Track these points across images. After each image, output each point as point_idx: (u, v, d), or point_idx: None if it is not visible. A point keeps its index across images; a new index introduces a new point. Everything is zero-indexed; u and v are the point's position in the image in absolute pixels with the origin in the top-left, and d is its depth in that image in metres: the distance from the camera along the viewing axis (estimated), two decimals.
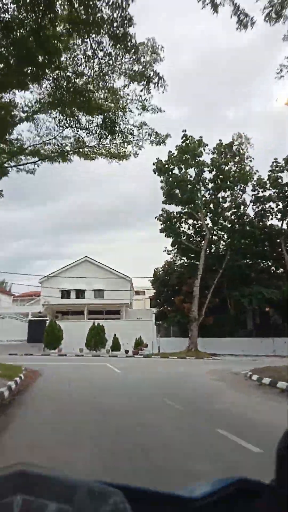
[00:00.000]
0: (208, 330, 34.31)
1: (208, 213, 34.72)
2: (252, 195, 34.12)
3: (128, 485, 0.61)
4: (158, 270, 39.75)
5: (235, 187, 32.68)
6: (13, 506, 0.51)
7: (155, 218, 34.76)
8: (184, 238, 34.86)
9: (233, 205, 33.66)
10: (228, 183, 31.98)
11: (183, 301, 34.96)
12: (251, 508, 0.61)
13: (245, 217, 33.66)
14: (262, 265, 34.01)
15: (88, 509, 0.53)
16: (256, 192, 33.66)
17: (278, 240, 32.99)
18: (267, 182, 33.35)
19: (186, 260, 37.11)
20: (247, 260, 33.39)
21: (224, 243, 35.52)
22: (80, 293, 42.43)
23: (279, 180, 32.69)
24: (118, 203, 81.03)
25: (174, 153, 33.87)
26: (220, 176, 32.87)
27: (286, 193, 32.47)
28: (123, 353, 31.86)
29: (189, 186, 33.44)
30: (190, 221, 36.47)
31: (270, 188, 33.55)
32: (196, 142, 32.23)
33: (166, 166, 33.44)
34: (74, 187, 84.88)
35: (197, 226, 36.22)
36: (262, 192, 33.87)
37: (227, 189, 32.69)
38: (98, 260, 43.21)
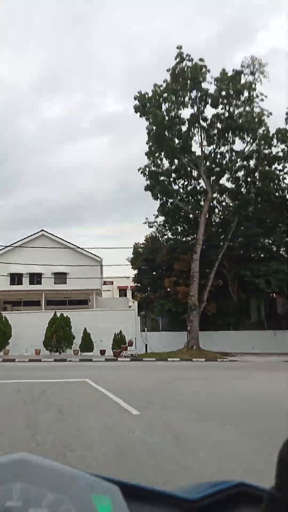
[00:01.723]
0: (207, 322, 25.93)
1: (210, 167, 26.16)
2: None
3: (127, 481, 0.61)
4: (138, 246, 30.81)
5: (245, 133, 24.25)
6: (12, 493, 0.52)
7: (139, 171, 25.71)
8: (178, 199, 26.06)
9: (244, 155, 25.25)
10: (239, 122, 23.48)
11: (176, 284, 26.32)
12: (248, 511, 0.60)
13: (256, 174, 25.33)
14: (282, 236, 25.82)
15: (85, 501, 0.53)
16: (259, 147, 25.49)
17: None
18: (274, 136, 25.18)
19: (179, 230, 28.32)
20: (261, 229, 25.03)
21: (231, 207, 27.08)
22: (35, 278, 32.86)
23: None
24: (76, 199, 71.90)
25: (162, 85, 25.06)
26: (226, 114, 24.40)
27: None
28: (99, 355, 22.79)
29: (184, 127, 24.79)
30: (184, 183, 27.58)
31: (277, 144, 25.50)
32: (197, 66, 23.53)
33: (153, 100, 24.51)
34: (27, 180, 74.69)
35: (194, 185, 27.54)
36: (266, 148, 25.66)
37: (235, 132, 24.17)
38: (60, 236, 33.63)
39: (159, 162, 26.27)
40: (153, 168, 26.39)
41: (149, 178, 26.20)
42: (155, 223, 31.32)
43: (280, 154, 26.42)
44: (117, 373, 13.78)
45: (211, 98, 24.21)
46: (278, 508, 0.52)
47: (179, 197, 26.66)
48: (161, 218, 31.15)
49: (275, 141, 26.06)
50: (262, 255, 27.17)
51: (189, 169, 27.34)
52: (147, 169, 26.21)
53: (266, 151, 25.63)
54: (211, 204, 27.05)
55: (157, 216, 31.06)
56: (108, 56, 73.12)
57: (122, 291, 53.84)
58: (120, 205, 72.93)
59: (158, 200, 27.01)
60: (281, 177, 26.67)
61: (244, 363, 18.37)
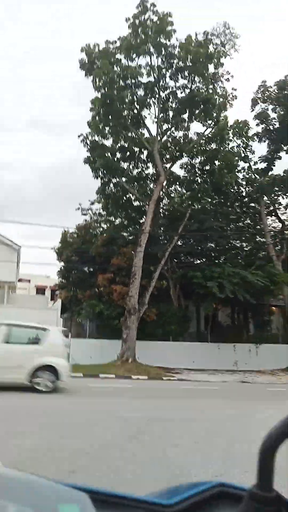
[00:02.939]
0: (145, 330, 21.62)
1: (164, 146, 22.20)
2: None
3: (95, 488, 0.58)
4: (67, 234, 25.55)
5: (208, 111, 20.71)
6: None
7: (79, 138, 20.83)
8: (124, 180, 21.54)
9: (205, 137, 21.68)
10: (204, 95, 19.88)
11: (112, 282, 21.66)
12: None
13: (216, 162, 21.86)
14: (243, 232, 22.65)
15: (51, 511, 0.50)
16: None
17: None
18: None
19: (121, 218, 23.76)
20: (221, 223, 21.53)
21: (183, 197, 23.27)
22: None
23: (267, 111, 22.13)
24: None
25: (116, 41, 20.70)
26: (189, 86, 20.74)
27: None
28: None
29: (140, 90, 20.62)
30: (130, 165, 23.16)
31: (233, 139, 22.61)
32: (164, 19, 19.52)
33: (104, 56, 19.97)
34: None
35: (142, 169, 23.30)
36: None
37: (198, 107, 20.54)
38: None
39: (105, 132, 21.51)
40: (96, 138, 21.57)
41: (90, 149, 21.30)
42: (90, 211, 26.42)
43: (235, 150, 23.47)
44: (23, 404, 8.53)
45: (176, 60, 20.21)
46: (258, 505, 0.50)
47: (124, 178, 22.06)
48: (97, 206, 26.37)
49: (230, 134, 23.08)
50: (214, 255, 23.56)
51: (137, 150, 23.04)
52: (89, 137, 21.31)
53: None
54: (161, 192, 22.94)
55: (92, 203, 26.24)
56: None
57: (40, 291, 47.44)
58: (48, 206, 66.54)
59: (99, 178, 22.17)
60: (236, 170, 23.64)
61: (199, 385, 14.18)
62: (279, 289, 22.76)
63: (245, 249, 25.09)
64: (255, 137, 24.13)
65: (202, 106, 20.89)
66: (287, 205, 24.70)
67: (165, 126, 22.58)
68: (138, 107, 21.51)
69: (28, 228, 70.37)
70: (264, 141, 24.37)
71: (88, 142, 21.44)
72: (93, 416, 7.31)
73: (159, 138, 21.95)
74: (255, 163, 24.46)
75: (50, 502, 0.53)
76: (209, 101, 20.41)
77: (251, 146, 24.46)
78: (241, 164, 24.24)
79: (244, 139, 24.28)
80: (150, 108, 21.66)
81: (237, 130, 23.59)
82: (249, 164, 24.45)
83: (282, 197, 24.54)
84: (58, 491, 0.56)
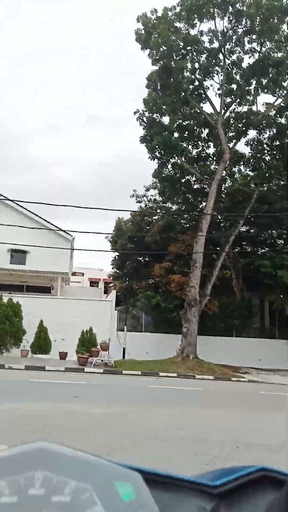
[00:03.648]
0: (206, 324, 19.56)
1: (228, 119, 19.89)
2: None
3: (147, 468, 0.61)
4: (122, 221, 24.03)
5: (282, 76, 18.05)
6: (34, 481, 0.52)
7: (135, 115, 19.14)
8: (184, 159, 19.52)
9: (275, 107, 19.05)
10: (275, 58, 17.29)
11: (169, 271, 19.80)
12: (272, 497, 0.60)
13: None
14: None
15: (108, 488, 0.53)
16: None
17: None
18: None
19: (179, 203, 21.82)
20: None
21: (249, 177, 20.82)
22: None
23: None
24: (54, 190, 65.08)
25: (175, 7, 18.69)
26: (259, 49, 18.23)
27: None
28: (57, 359, 15.90)
29: (202, 57, 18.45)
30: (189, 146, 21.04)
31: None
32: None
33: (163, 20, 18.00)
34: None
35: (202, 148, 21.12)
36: None
37: (269, 73, 17.98)
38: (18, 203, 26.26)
39: (163, 109, 19.58)
40: (154, 116, 19.73)
41: (147, 127, 19.51)
42: (145, 197, 24.69)
43: None
44: (74, 409, 6.88)
45: (244, 20, 17.77)
46: None
47: (184, 157, 20.03)
48: (152, 192, 24.58)
49: None
50: (283, 243, 20.88)
51: (197, 128, 20.88)
52: (145, 114, 19.51)
53: None
54: (224, 172, 20.62)
55: (148, 189, 24.48)
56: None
57: (94, 284, 46.78)
58: (100, 201, 66.07)
59: (156, 160, 20.32)
60: None
61: (277, 389, 11.91)
62: None
63: None
64: None
65: (272, 71, 18.29)
66: None
67: (229, 99, 20.22)
68: (200, 77, 19.35)
69: (82, 222, 70.37)
70: None
71: (145, 119, 19.66)
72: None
73: (222, 112, 19.65)
74: None
75: (107, 479, 0.55)
76: (281, 64, 17.77)
77: None
78: None
79: None
80: (213, 78, 19.41)
81: None
82: None
83: None
84: (113, 469, 0.57)
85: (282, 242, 21.67)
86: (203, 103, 20.17)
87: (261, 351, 20.76)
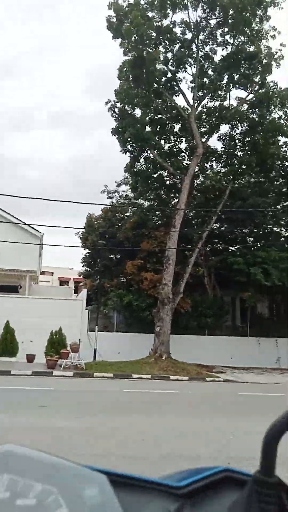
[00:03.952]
0: (178, 322, 19.12)
1: (200, 114, 19.52)
2: None
3: (112, 470, 0.61)
4: (93, 217, 23.18)
5: (254, 69, 17.86)
6: None
7: (106, 105, 18.37)
8: (156, 152, 18.94)
9: (247, 102, 18.84)
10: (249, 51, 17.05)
11: (142, 269, 19.22)
12: (235, 497, 0.61)
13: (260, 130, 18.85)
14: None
15: (73, 491, 0.53)
16: None
17: None
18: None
19: (151, 199, 21.23)
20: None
21: (221, 174, 20.50)
22: None
23: None
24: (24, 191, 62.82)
25: None
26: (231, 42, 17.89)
27: None
28: (24, 362, 14.92)
29: (175, 47, 17.95)
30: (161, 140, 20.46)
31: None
32: None
33: (135, 7, 17.37)
34: None
35: (174, 143, 20.66)
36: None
37: (243, 65, 17.73)
38: None
39: (135, 100, 18.86)
40: (126, 107, 19.00)
41: (118, 118, 18.76)
42: (116, 193, 23.95)
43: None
44: (37, 423, 6.10)
45: (217, 12, 17.34)
46: (261, 490, 0.53)
47: (156, 151, 19.42)
48: (124, 188, 23.90)
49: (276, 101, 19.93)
50: (255, 239, 20.69)
51: (169, 122, 20.36)
52: (117, 105, 18.77)
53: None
54: (197, 168, 20.18)
55: (119, 185, 23.76)
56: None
57: (64, 284, 45.47)
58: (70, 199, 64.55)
59: (128, 153, 19.62)
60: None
61: (252, 388, 11.55)
62: None
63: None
64: None
65: (245, 64, 18.01)
66: None
67: (201, 93, 19.78)
68: (172, 68, 18.79)
69: (51, 219, 68.49)
70: None
71: (116, 110, 18.90)
72: None
73: (195, 105, 19.19)
74: None
75: (72, 482, 0.55)
76: (254, 57, 17.49)
77: None
78: (282, 139, 21.25)
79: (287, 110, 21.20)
80: (186, 70, 18.90)
81: (279, 98, 20.51)
82: None
83: None
84: (79, 472, 0.57)
85: (252, 239, 21.50)
86: (176, 95, 19.67)
87: (233, 349, 20.51)
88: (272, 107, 19.17)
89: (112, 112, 18.88)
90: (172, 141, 21.28)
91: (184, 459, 4.44)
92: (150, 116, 19.87)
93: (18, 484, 0.53)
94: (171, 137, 21.21)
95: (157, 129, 20.54)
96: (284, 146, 20.81)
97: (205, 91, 19.68)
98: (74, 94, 66.43)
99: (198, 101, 19.56)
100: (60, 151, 72.94)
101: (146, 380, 12.84)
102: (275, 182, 21.12)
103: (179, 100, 20.17)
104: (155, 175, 21.02)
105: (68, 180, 70.55)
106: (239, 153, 20.21)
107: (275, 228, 22.37)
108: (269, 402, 8.94)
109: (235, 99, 19.77)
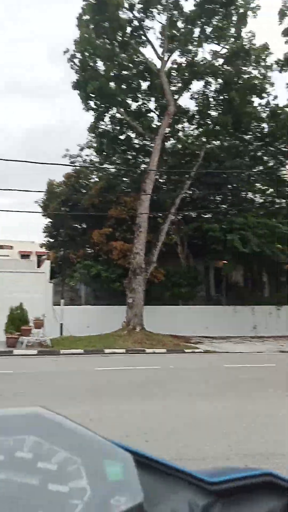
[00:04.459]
0: (151, 293, 17.84)
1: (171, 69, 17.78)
2: None
3: (141, 451, 0.58)
4: (53, 183, 21.09)
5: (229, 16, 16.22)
6: (23, 445, 0.53)
7: (65, 55, 16.18)
8: (123, 109, 17.08)
9: (221, 56, 17.26)
10: None
11: (111, 238, 17.63)
12: (274, 505, 0.56)
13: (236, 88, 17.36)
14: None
15: (96, 464, 0.52)
16: None
17: None
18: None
19: (118, 163, 19.46)
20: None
21: (193, 136, 18.95)
22: None
23: None
24: None
25: None
26: None
27: None
28: None
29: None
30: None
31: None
32: None
33: None
34: None
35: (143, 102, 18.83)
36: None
37: (217, 13, 16.05)
38: None
39: (97, 51, 16.71)
40: (88, 60, 16.81)
41: (80, 70, 16.60)
42: (80, 157, 21.83)
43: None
44: None
45: None
46: None
47: (123, 108, 17.53)
48: (87, 151, 21.80)
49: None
50: (232, 204, 19.51)
51: (136, 80, 18.41)
52: (77, 56, 16.57)
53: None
54: (168, 129, 18.50)
55: (82, 148, 21.62)
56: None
57: (25, 258, 42.98)
58: (27, 174, 60.56)
59: (91, 111, 17.59)
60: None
61: (236, 358, 10.51)
62: None
63: (264, 198, 21.07)
64: (277, 65, 19.65)
65: (219, 14, 16.27)
66: None
67: (172, 46, 17.89)
68: (139, 15, 16.73)
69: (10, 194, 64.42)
70: (286, 71, 19.97)
71: (77, 62, 16.71)
72: None
73: (166, 58, 17.33)
74: (275, 97, 20.22)
75: (96, 455, 0.54)
76: (230, 3, 15.77)
77: (270, 77, 19.99)
78: (257, 100, 19.90)
79: (261, 69, 19.75)
80: (154, 18, 16.89)
81: (254, 56, 19.01)
82: (268, 99, 19.98)
83: None
84: (105, 447, 0.56)
85: (227, 206, 20.32)
86: (143, 47, 17.67)
87: (209, 319, 19.57)
88: (248, 64, 17.70)
89: (72, 63, 16.69)
90: (140, 100, 19.39)
91: (186, 461, 3.08)
92: (115, 71, 17.80)
93: (43, 447, 0.52)
94: (139, 95, 19.29)
95: (123, 86, 18.54)
96: (259, 107, 19.54)
97: (175, 43, 17.81)
98: (34, 61, 61.64)
99: (169, 54, 17.70)
100: (18, 121, 68.18)
101: (121, 354, 11.50)
102: (250, 146, 19.92)
103: (148, 53, 18.29)
104: (122, 137, 19.17)
105: (27, 151, 66.29)
106: (214, 113, 18.68)
107: (249, 194, 21.33)
108: (265, 375, 7.83)
109: (209, 52, 18.07)
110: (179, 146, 19.49)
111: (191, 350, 12.42)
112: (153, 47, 17.36)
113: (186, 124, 19.95)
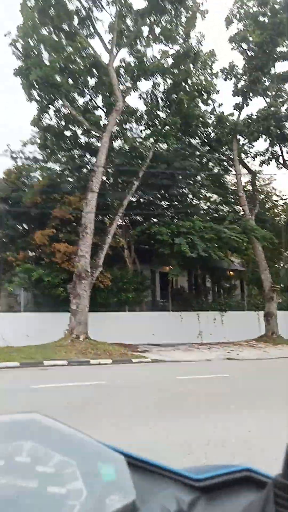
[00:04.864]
0: (96, 299, 16.92)
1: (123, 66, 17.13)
2: None
3: (131, 453, 0.60)
4: None
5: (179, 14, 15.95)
6: (22, 450, 0.54)
7: (5, 36, 14.90)
8: (69, 102, 16.07)
9: (169, 56, 16.92)
10: None
11: (54, 239, 16.45)
12: (253, 498, 0.58)
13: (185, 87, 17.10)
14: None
15: (91, 467, 0.54)
16: None
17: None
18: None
19: (63, 161, 18.32)
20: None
21: (142, 137, 18.45)
22: None
23: None
24: None
25: None
26: None
27: None
28: None
29: None
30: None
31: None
32: None
33: None
34: None
35: (93, 97, 17.98)
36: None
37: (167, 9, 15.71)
38: None
39: (42, 38, 15.51)
40: (30, 47, 15.51)
41: (23, 57, 15.27)
42: (22, 153, 20.32)
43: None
44: None
45: None
46: (280, 494, 0.52)
47: (69, 101, 16.45)
48: (31, 148, 20.36)
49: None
50: (177, 209, 19.10)
51: (83, 76, 17.43)
52: (19, 41, 15.25)
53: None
54: (115, 128, 17.70)
55: (25, 144, 20.18)
56: None
57: None
58: None
59: (35, 103, 16.29)
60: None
61: (187, 368, 9.87)
62: (251, 248, 19.18)
63: (209, 203, 21.01)
64: (223, 72, 19.74)
65: (170, 11, 15.81)
66: (256, 154, 20.94)
67: (121, 40, 17.12)
68: (87, 4, 15.77)
69: None
70: (231, 79, 20.14)
71: (19, 47, 15.35)
72: None
73: (115, 52, 16.53)
74: (220, 104, 20.30)
75: (91, 458, 0.55)
76: (180, 1, 15.37)
77: (216, 84, 20.01)
78: (203, 107, 19.81)
79: (208, 76, 19.71)
80: (103, 8, 16.03)
81: (200, 62, 18.90)
82: (213, 106, 19.97)
83: (249, 146, 20.74)
84: (99, 449, 0.58)
85: (172, 211, 19.84)
86: (91, 39, 16.72)
87: (155, 326, 18.93)
88: (196, 66, 17.47)
89: (14, 48, 15.29)
90: (88, 95, 18.39)
91: None
92: (61, 64, 16.64)
93: (40, 452, 0.53)
94: (86, 90, 18.30)
95: (70, 81, 17.43)
96: (205, 112, 19.44)
97: (125, 40, 17.08)
98: None
99: (118, 49, 16.91)
100: None
101: (62, 367, 10.36)
102: (197, 152, 19.73)
103: (96, 47, 17.35)
104: (68, 133, 18.02)
105: None
106: (162, 114, 18.18)
107: (195, 200, 21.16)
108: (222, 388, 7.18)
109: (159, 52, 17.57)
110: (127, 146, 18.74)
111: (138, 360, 11.58)
112: (101, 39, 16.48)
113: (134, 125, 19.29)
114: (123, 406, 5.82)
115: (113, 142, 18.47)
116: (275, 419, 4.71)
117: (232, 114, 19.91)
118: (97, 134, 17.10)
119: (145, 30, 17.30)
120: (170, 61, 17.64)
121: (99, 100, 18.63)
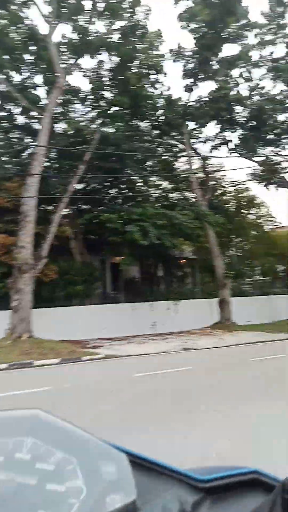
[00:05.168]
0: (42, 293, 15.48)
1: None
2: None
3: (134, 452, 0.60)
4: None
5: None
6: (22, 446, 0.53)
7: None
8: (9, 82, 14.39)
9: (115, 30, 15.73)
10: None
11: None
12: (260, 501, 0.56)
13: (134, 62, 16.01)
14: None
15: (91, 465, 0.53)
16: None
17: None
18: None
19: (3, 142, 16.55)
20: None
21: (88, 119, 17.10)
22: None
23: None
24: None
25: None
26: None
27: None
28: None
29: None
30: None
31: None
32: None
33: None
34: None
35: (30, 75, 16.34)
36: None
37: None
38: None
39: None
40: None
41: None
42: None
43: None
44: None
45: None
46: (286, 500, 0.51)
47: (4, 77, 14.69)
48: None
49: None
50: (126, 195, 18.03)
51: (19, 50, 15.70)
52: None
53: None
54: (58, 108, 16.17)
55: None
56: None
57: None
58: None
59: None
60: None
61: (142, 363, 8.90)
62: (203, 235, 18.62)
63: (160, 190, 20.18)
64: (171, 53, 18.88)
65: None
66: (206, 139, 20.39)
67: (60, 13, 15.57)
68: None
69: None
70: (180, 61, 19.36)
71: None
72: None
73: (55, 23, 14.97)
74: (168, 88, 19.50)
75: (92, 456, 0.54)
76: None
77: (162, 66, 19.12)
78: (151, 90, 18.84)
79: (154, 58, 18.74)
80: None
81: (147, 40, 17.87)
82: (161, 89, 19.08)
83: (199, 132, 20.16)
84: (100, 447, 0.57)
85: (122, 198, 18.77)
86: (27, 8, 15.02)
87: (106, 319, 17.78)
88: (144, 42, 16.39)
89: None
90: (25, 73, 16.64)
91: None
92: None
93: (40, 449, 0.53)
94: (23, 67, 16.54)
95: (5, 57, 15.59)
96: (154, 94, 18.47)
97: (65, 11, 15.55)
98: None
99: (58, 20, 15.35)
100: None
101: (1, 371, 8.91)
102: (146, 137, 18.76)
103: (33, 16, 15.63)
104: (3, 113, 16.19)
105: None
106: (109, 95, 16.92)
107: (145, 187, 20.22)
108: (188, 384, 6.25)
109: (104, 25, 16.23)
110: (70, 128, 17.26)
111: (89, 357, 10.41)
112: (39, 8, 14.84)
113: (79, 106, 17.84)
114: (71, 416, 4.68)
115: (56, 124, 16.92)
116: (259, 418, 3.84)
117: (181, 99, 19.22)
118: (38, 115, 15.48)
119: (88, 3, 15.98)
120: (116, 37, 16.45)
121: (39, 79, 17.02)
